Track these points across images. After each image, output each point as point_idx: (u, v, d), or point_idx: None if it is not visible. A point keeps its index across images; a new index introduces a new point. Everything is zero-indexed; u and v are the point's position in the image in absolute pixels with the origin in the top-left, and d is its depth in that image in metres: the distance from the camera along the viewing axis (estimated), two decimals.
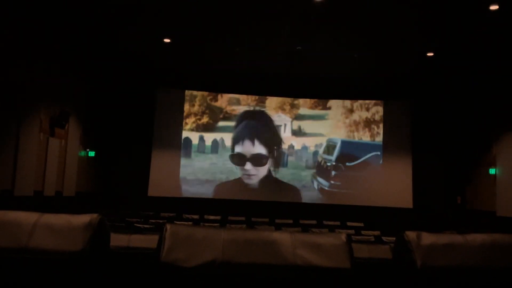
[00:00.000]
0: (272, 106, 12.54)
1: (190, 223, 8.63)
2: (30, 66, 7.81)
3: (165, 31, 9.08)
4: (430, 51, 9.45)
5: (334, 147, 12.31)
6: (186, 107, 12.44)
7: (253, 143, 12.17)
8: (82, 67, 10.05)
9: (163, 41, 9.48)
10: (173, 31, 9.03)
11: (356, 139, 12.42)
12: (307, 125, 12.51)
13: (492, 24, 7.75)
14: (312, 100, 12.58)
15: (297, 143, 12.40)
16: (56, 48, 8.72)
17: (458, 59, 9.80)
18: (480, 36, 8.36)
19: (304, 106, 12.61)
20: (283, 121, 12.47)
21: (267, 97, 12.56)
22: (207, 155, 12.27)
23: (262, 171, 12.10)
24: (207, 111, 12.43)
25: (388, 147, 12.25)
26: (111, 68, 11.31)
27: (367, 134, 12.43)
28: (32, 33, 7.84)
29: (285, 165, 12.29)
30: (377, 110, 12.49)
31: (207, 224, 8.50)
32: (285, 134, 12.43)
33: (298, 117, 12.53)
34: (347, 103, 12.51)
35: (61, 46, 8.91)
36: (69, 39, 9.12)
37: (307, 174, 12.27)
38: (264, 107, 12.54)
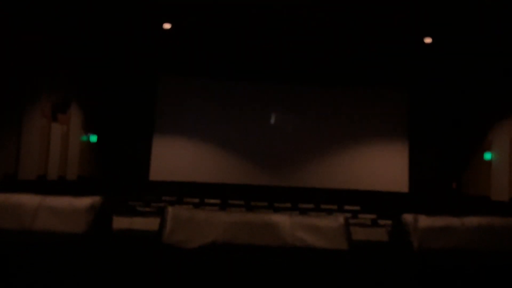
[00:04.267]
0: None
1: (191, 206, 8.69)
2: (31, 52, 7.79)
3: (165, 16, 9.01)
4: (428, 37, 9.38)
5: None
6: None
7: None
8: (84, 53, 10.02)
9: (163, 27, 9.41)
10: (174, 15, 8.95)
11: None
12: None
13: (490, 10, 7.69)
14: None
15: None
16: (57, 34, 8.69)
17: (455, 46, 9.73)
18: (477, 22, 8.30)
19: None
20: None
21: None
22: None
23: None
24: None
25: (385, 131, 12.27)
26: (113, 52, 11.26)
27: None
28: (33, 19, 7.80)
29: None
30: (374, 95, 12.49)
31: (207, 207, 8.57)
32: None
33: None
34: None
35: (62, 32, 8.87)
36: (70, 25, 9.08)
37: None
38: None
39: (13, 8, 7.24)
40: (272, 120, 12.59)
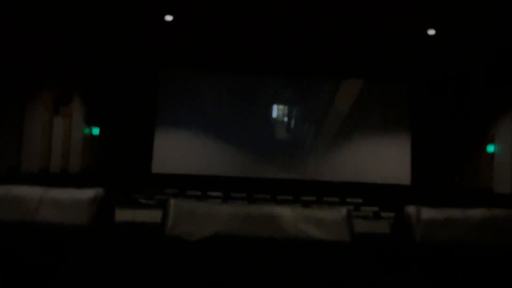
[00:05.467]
0: None
1: (193, 199, 8.70)
2: (33, 45, 7.78)
3: (167, 10, 8.96)
4: (431, 29, 9.31)
5: None
6: None
7: None
8: (85, 46, 9.99)
9: (165, 19, 9.35)
10: (175, 9, 8.90)
11: None
12: None
13: (492, 4, 7.61)
14: None
15: None
16: (58, 28, 8.66)
17: (458, 38, 9.66)
18: (480, 15, 8.22)
19: None
20: None
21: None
22: None
23: None
24: None
25: (387, 124, 12.25)
26: (115, 46, 11.23)
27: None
28: (35, 13, 7.78)
29: None
30: (377, 87, 12.43)
31: (210, 200, 8.57)
32: None
33: None
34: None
35: (63, 26, 8.84)
36: (71, 19, 9.05)
37: None
38: None
39: (13, 8, 7.21)
40: (274, 113, 12.57)
